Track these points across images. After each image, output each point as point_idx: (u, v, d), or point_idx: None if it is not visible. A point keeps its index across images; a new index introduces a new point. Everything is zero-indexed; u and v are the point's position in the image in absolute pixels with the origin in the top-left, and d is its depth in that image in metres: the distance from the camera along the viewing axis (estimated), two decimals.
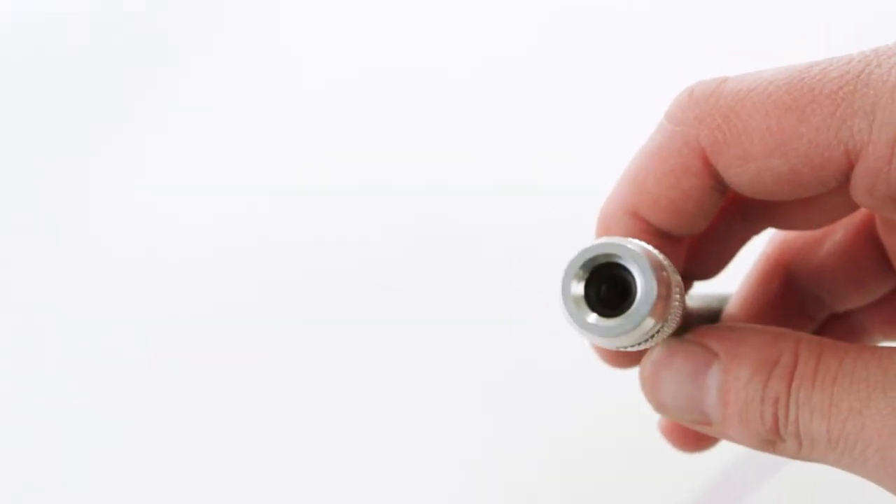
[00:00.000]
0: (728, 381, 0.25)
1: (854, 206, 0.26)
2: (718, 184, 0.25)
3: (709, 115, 0.24)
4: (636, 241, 0.22)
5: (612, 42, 0.59)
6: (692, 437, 0.32)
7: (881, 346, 0.23)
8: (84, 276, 0.52)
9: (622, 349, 0.23)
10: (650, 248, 0.22)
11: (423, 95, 0.58)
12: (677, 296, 0.22)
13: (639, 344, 0.22)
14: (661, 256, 0.22)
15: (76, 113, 0.58)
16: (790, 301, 0.32)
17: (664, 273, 0.21)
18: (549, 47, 0.59)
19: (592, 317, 0.21)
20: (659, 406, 0.27)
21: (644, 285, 0.21)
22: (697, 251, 0.30)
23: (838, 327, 0.33)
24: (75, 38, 0.61)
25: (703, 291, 0.31)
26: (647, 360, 0.27)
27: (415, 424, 0.47)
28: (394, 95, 0.58)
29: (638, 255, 0.21)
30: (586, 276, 0.21)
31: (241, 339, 0.50)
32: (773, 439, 0.24)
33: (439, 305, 0.50)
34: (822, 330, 0.33)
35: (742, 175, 0.24)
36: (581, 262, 0.21)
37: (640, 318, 0.21)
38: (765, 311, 0.32)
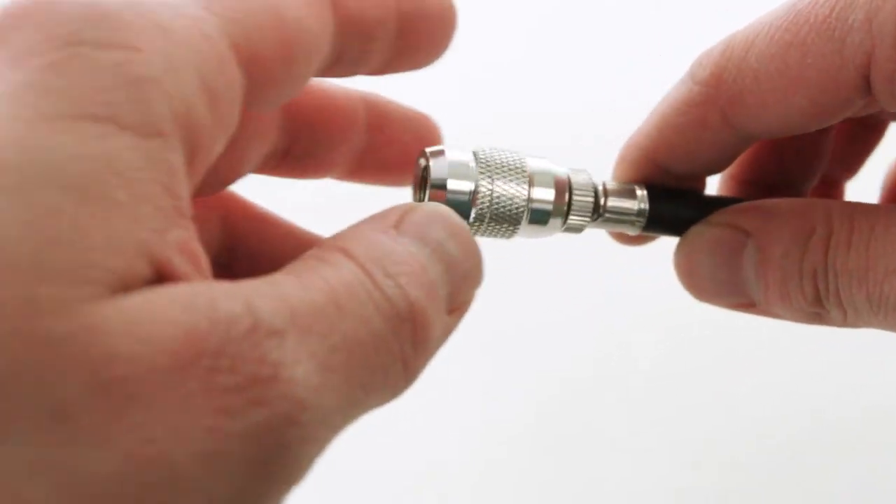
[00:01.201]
0: (764, 259, 0.24)
1: None
2: (741, 135, 0.25)
3: (724, 70, 0.25)
4: (451, 148, 0.26)
5: (613, 41, 0.59)
6: None
7: None
8: None
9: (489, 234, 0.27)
10: (462, 151, 0.26)
11: (423, 96, 0.58)
12: (491, 188, 0.25)
13: (480, 222, 0.26)
14: (466, 158, 0.25)
15: None
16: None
17: (461, 169, 0.25)
18: (547, 47, 0.59)
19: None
20: (699, 294, 0.27)
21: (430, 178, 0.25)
22: (802, 155, 0.30)
23: None
24: None
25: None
26: (680, 251, 0.27)
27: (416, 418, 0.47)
28: (395, 96, 0.58)
29: (433, 157, 0.25)
30: (425, 176, 0.26)
31: None
32: (818, 311, 0.24)
33: None
34: None
35: (770, 121, 0.24)
36: (417, 171, 0.27)
37: (436, 199, 0.25)
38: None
